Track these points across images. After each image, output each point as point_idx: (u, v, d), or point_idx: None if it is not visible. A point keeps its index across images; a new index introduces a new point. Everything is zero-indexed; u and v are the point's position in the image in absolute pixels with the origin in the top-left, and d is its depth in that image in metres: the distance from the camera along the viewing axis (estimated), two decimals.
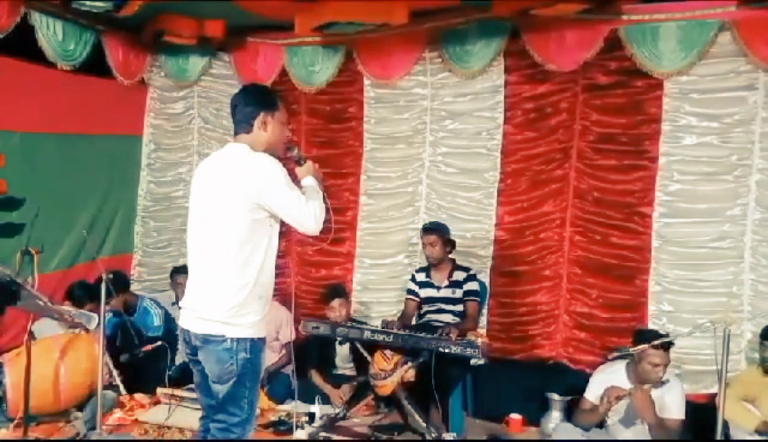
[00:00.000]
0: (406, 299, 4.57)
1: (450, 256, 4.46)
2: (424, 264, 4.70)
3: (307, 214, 2.51)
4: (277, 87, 5.14)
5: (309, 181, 2.71)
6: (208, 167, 2.64)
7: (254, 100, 2.62)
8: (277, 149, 2.67)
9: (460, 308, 4.35)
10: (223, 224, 2.49)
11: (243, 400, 2.52)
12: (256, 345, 2.53)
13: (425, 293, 4.47)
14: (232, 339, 2.47)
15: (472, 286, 4.36)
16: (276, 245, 2.59)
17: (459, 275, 4.39)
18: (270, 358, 4.70)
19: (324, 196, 2.67)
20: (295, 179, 2.68)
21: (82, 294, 4.28)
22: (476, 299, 4.36)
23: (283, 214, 2.51)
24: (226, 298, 2.47)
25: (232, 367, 2.47)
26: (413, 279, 4.58)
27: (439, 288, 4.41)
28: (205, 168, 2.66)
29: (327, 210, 2.64)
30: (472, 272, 4.44)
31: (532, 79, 4.55)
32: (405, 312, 4.56)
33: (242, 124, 2.61)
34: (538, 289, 4.62)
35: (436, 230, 4.40)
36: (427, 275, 4.49)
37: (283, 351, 4.77)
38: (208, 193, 2.57)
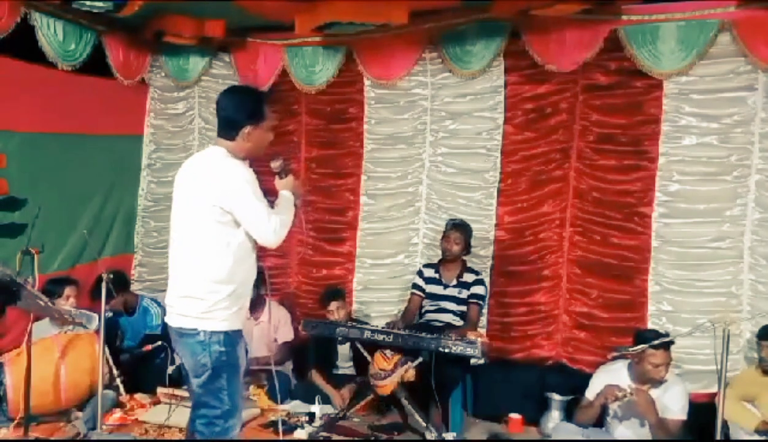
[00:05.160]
0: (411, 293, 4.57)
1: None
2: (425, 262, 4.73)
3: (266, 226, 2.53)
4: (277, 87, 5.15)
5: (285, 194, 2.72)
6: (187, 168, 2.70)
7: (241, 111, 2.60)
8: (256, 154, 2.69)
9: (462, 308, 4.35)
10: (192, 226, 2.57)
11: (222, 392, 2.55)
12: (230, 338, 2.56)
13: (430, 289, 4.46)
14: (205, 332, 2.53)
15: (479, 290, 4.36)
16: (249, 246, 2.60)
17: (468, 277, 4.39)
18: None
19: (296, 210, 2.71)
20: (274, 190, 2.73)
21: (53, 287, 4.14)
22: (480, 303, 4.36)
23: (243, 221, 2.54)
24: (197, 299, 2.54)
25: (206, 359, 2.52)
26: (420, 274, 4.56)
27: (446, 286, 4.41)
28: (184, 169, 2.72)
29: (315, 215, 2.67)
30: (481, 276, 4.44)
31: (532, 80, 4.56)
32: (409, 308, 4.55)
33: (226, 130, 2.62)
34: (537, 289, 4.63)
35: (463, 229, 4.41)
36: (436, 271, 4.49)
37: (279, 350, 4.77)
38: (183, 195, 2.64)
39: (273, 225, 2.53)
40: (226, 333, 2.55)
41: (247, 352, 4.71)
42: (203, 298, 2.53)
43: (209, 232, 2.54)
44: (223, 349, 2.53)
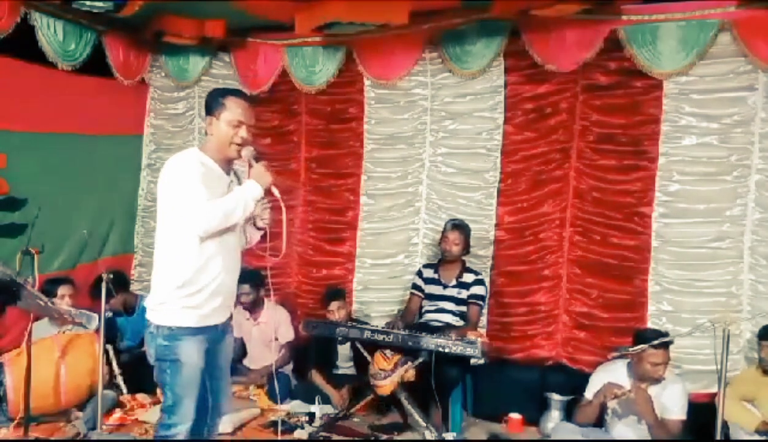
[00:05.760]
0: (411, 294, 4.57)
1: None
2: (425, 262, 4.72)
3: (195, 214, 2.51)
4: (277, 87, 5.15)
5: (247, 184, 2.64)
6: None
7: (205, 105, 2.72)
8: (225, 151, 2.65)
9: (461, 309, 4.35)
10: (160, 222, 2.66)
11: (166, 386, 2.63)
12: (174, 334, 2.60)
13: (430, 289, 4.46)
14: (153, 324, 2.63)
15: (479, 290, 4.35)
16: (204, 246, 2.57)
17: (468, 277, 4.39)
18: (268, 358, 4.72)
19: (274, 198, 2.72)
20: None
21: (50, 287, 4.13)
22: (480, 303, 4.36)
23: (178, 210, 2.55)
24: (153, 291, 2.66)
25: (152, 350, 2.64)
26: (420, 274, 4.56)
27: (446, 286, 4.40)
28: None
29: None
30: (480, 276, 4.43)
31: (532, 80, 4.56)
32: (408, 308, 4.55)
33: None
34: (537, 289, 4.63)
35: (463, 229, 4.40)
36: (436, 272, 4.48)
37: (282, 351, 4.78)
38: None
39: (203, 214, 2.50)
40: (170, 328, 2.59)
41: (247, 355, 4.82)
42: (156, 291, 2.64)
43: (168, 228, 2.61)
44: (166, 343, 2.59)
